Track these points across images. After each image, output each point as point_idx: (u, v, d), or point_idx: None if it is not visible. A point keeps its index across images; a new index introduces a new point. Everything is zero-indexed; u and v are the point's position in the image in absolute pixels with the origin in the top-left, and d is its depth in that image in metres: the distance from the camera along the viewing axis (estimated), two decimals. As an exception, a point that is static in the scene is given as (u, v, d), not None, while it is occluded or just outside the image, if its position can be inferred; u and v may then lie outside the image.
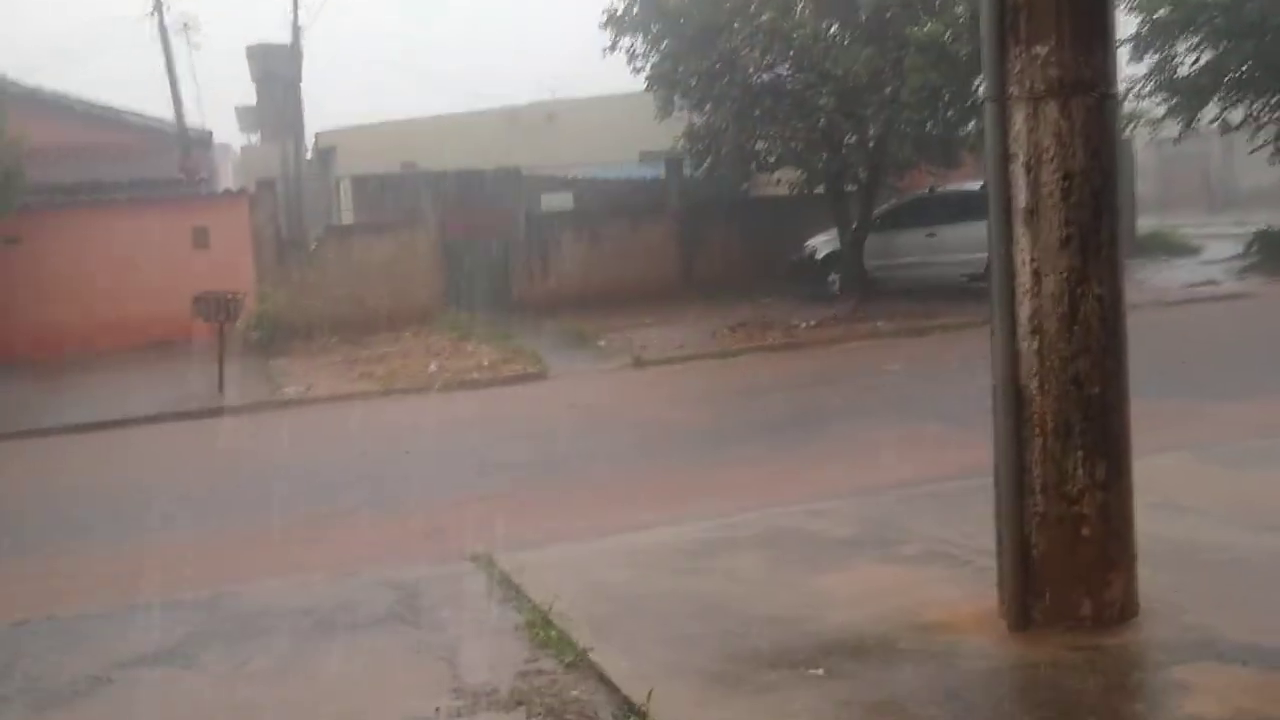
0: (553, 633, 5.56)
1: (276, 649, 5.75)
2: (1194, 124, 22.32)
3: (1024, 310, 5.02)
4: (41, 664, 5.78)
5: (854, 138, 19.34)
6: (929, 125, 19.00)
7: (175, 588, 7.08)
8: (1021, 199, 4.98)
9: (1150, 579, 5.28)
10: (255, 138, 34.77)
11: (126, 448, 12.70)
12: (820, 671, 4.82)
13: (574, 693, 4.90)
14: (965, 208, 19.17)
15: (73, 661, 5.77)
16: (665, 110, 20.35)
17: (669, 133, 20.76)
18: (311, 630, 6.00)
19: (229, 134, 36.20)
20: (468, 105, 31.42)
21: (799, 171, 20.38)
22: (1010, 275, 5.05)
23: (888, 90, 18.08)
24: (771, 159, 20.07)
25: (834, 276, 20.89)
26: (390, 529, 8.40)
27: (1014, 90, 4.94)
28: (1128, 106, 21.29)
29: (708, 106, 19.66)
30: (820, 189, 20.54)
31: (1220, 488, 7.28)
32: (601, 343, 17.67)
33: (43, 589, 7.43)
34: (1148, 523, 5.46)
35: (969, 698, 4.49)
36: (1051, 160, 4.90)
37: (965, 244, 18.89)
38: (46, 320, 19.47)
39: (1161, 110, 22.83)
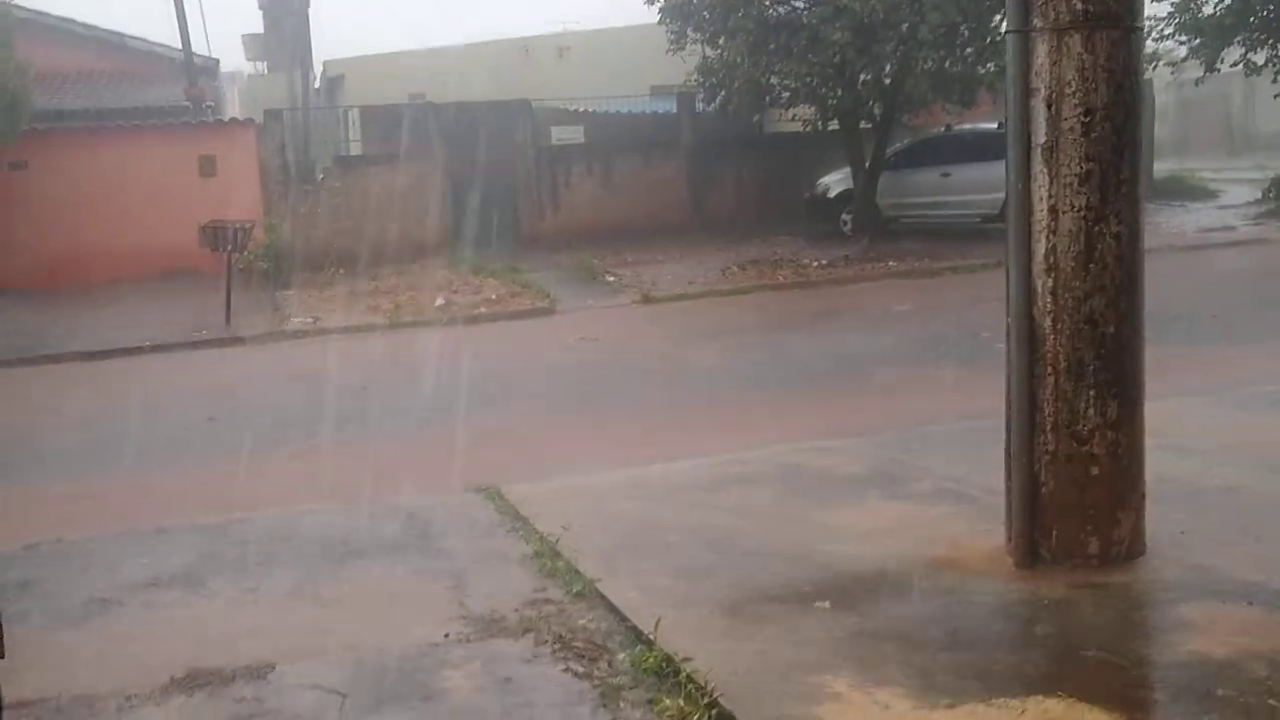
0: (560, 563, 5.59)
1: (285, 575, 5.78)
2: (1216, 65, 22.01)
3: (1040, 248, 4.97)
4: (53, 585, 5.83)
5: (869, 74, 19.10)
6: (947, 63, 18.76)
7: (184, 513, 7.13)
8: (1041, 134, 4.91)
9: (1158, 519, 5.29)
10: (262, 66, 34.49)
11: (135, 376, 12.73)
12: (826, 605, 4.84)
13: (581, 622, 4.93)
14: (981, 147, 18.98)
15: (83, 583, 5.82)
16: (678, 43, 20.09)
17: (681, 67, 20.53)
18: (320, 557, 6.04)
19: (236, 62, 35.96)
20: (479, 36, 31.05)
21: (812, 108, 20.16)
22: (1027, 212, 5.00)
23: (905, 26, 17.83)
24: (785, 95, 19.84)
25: (846, 215, 20.75)
26: (397, 459, 8.43)
27: (1037, 21, 4.86)
28: (1149, 46, 20.97)
29: (721, 40, 19.41)
30: (834, 126, 20.32)
31: (1231, 431, 7.27)
32: (610, 278, 17.61)
33: (53, 513, 7.48)
34: (1157, 463, 5.46)
35: (974, 633, 4.51)
36: (1073, 95, 4.82)
37: (980, 184, 18.73)
38: (52, 247, 19.43)
39: (1183, 51, 22.53)
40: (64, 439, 9.69)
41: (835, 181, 21.24)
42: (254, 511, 7.01)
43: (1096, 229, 4.87)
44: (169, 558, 6.16)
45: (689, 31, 19.97)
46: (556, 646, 4.67)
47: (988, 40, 18.18)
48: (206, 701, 4.40)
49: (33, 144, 19.25)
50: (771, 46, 18.63)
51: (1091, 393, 4.97)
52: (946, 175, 20.06)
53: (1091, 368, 4.95)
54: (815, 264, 17.87)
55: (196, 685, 4.54)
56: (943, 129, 20.82)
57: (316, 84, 29.63)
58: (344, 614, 5.24)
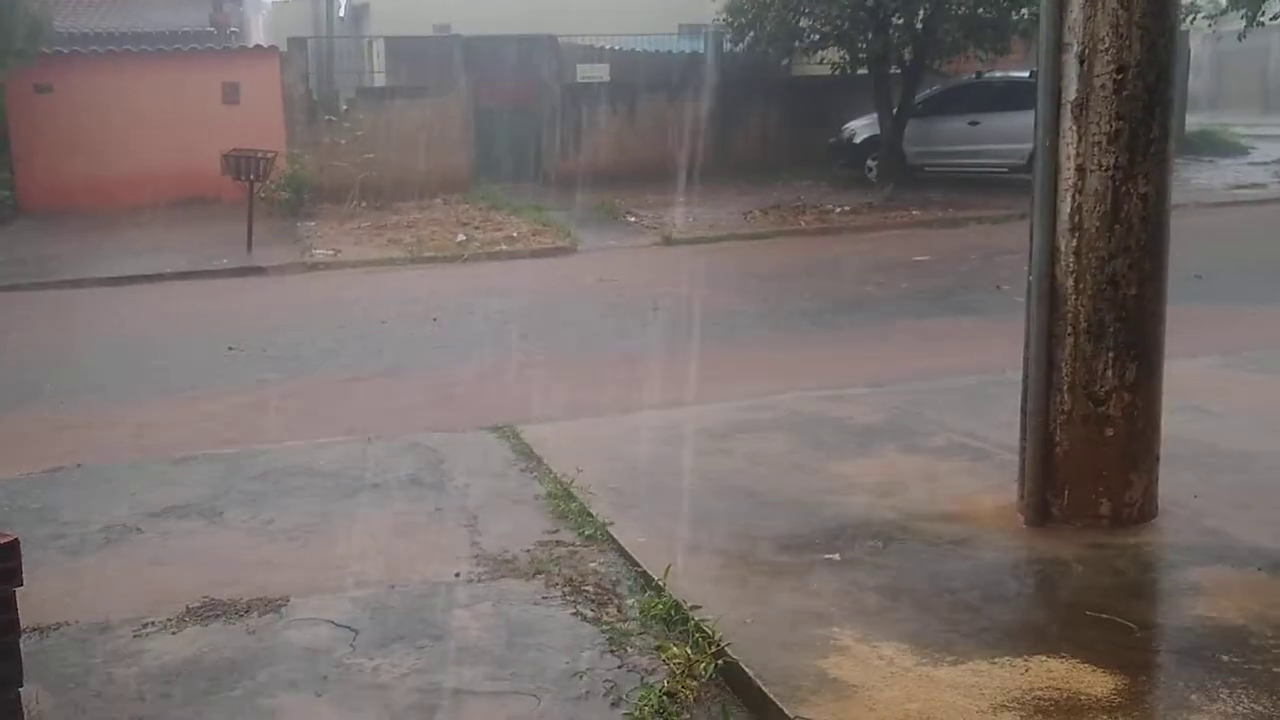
0: (573, 505, 5.63)
1: (301, 508, 5.84)
2: (1258, 18, 21.57)
3: (1065, 206, 4.93)
4: (74, 511, 5.91)
5: (901, 18, 18.82)
6: (980, 9, 18.46)
7: (202, 443, 7.19)
8: (1072, 91, 4.84)
9: (1172, 481, 5.29)
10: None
11: (155, 303, 12.78)
12: (836, 556, 4.87)
13: (592, 565, 4.97)
14: (1011, 96, 18.71)
15: (102, 510, 5.89)
16: (709, -18, 19.84)
17: (710, 6, 20.25)
18: (335, 491, 6.09)
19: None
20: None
21: (841, 52, 19.90)
22: (1054, 169, 4.95)
23: (940, -30, 17.54)
24: (815, 37, 19.58)
25: (872, 162, 20.55)
26: (414, 395, 8.47)
27: (1073, -24, 4.77)
28: (1186, -2, 20.58)
29: (753, -21, 19.17)
30: (863, 70, 20.07)
31: (1250, 393, 7.23)
32: (632, 219, 17.54)
33: (71, 439, 7.55)
34: (1174, 425, 5.45)
35: (982, 590, 4.53)
36: (1106, 51, 4.75)
37: (1009, 134, 18.48)
38: (76, 171, 19.43)
39: (1224, 3, 22.08)
40: (83, 365, 9.75)
41: (862, 127, 21.01)
42: (271, 443, 7.07)
43: (1124, 189, 4.82)
44: (187, 487, 6.23)
45: (720, -31, 19.71)
46: (566, 589, 4.72)
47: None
48: (221, 631, 4.47)
49: (58, 67, 19.20)
50: (803, -14, 18.37)
51: (1110, 354, 4.94)
52: (975, 124, 19.82)
53: (1112, 329, 4.92)
54: (838, 210, 17.73)
55: (211, 615, 4.61)
56: (974, 76, 20.54)
57: (341, 12, 29.40)
58: (357, 549, 5.29)
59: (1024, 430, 5.21)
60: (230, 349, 10.09)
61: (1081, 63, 4.80)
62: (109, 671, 4.18)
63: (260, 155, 15.58)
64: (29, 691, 3.54)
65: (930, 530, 5.14)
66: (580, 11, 23.38)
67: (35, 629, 4.36)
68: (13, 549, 3.30)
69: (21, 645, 3.35)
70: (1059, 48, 4.87)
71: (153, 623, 4.55)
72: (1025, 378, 5.20)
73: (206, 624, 4.53)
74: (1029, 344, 5.15)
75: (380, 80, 23.20)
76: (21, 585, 3.30)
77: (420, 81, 21.71)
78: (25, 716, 3.43)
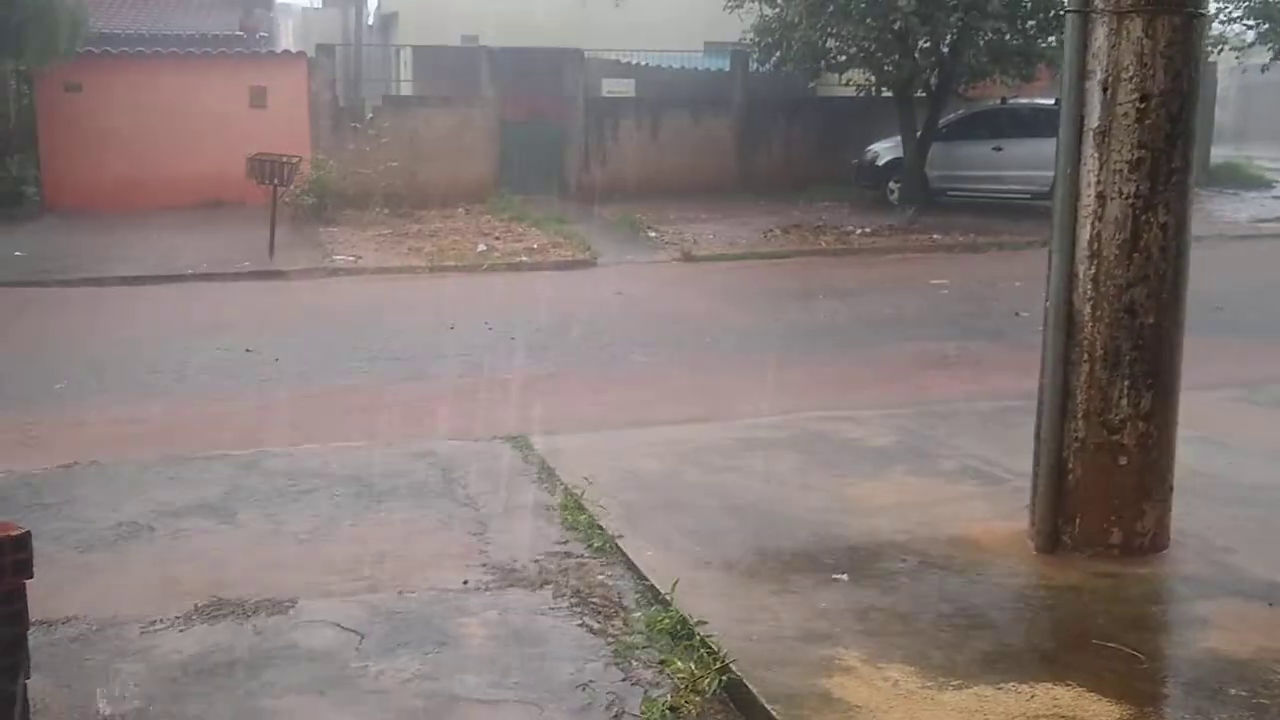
0: (583, 517, 5.63)
1: (312, 512, 5.86)
2: (1284, 52, 21.56)
3: (1084, 233, 4.92)
4: (87, 507, 5.94)
5: (928, 42, 18.84)
6: (1008, 35, 18.47)
7: (216, 443, 7.23)
8: (1094, 118, 4.84)
9: (1185, 513, 5.26)
10: (316, 0, 34.46)
11: (175, 303, 12.85)
12: (844, 577, 4.86)
13: (600, 577, 4.97)
14: (1035, 123, 18.70)
15: (115, 507, 5.92)
16: (737, 1, 19.89)
17: (737, 25, 20.31)
18: (347, 495, 6.11)
19: (291, -6, 35.88)
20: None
21: (867, 73, 19.92)
22: (1074, 196, 4.94)
23: (968, -6, 17.55)
24: (842, 58, 19.61)
25: (894, 184, 20.55)
26: (428, 402, 8.49)
27: (1099, 2, 4.78)
28: (1214, 29, 20.57)
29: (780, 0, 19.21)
30: (888, 93, 20.09)
31: (1267, 427, 7.20)
32: (653, 234, 17.57)
33: (86, 435, 7.60)
34: (1189, 457, 5.43)
35: (990, 615, 4.52)
36: (1130, 80, 4.75)
37: (1033, 161, 18.47)
38: (102, 170, 19.57)
39: (1250, 36, 22.06)
40: (101, 363, 9.81)
41: (885, 149, 21.01)
42: (284, 445, 7.09)
43: (1144, 218, 4.81)
44: (200, 486, 6.25)
45: (749, -12, 19.76)
46: (574, 601, 4.72)
47: (1050, 14, 17.87)
48: (228, 631, 4.48)
49: (88, 67, 19.35)
50: (830, 8, 18.39)
51: (1126, 383, 4.93)
52: (999, 149, 19.81)
53: (1128, 358, 4.91)
54: (858, 231, 17.73)
55: (219, 614, 4.62)
56: (998, 102, 20.53)
57: (370, 21, 29.58)
58: (366, 553, 5.30)
59: (1037, 456, 5.20)
60: (248, 351, 10.14)
61: (1105, 90, 4.80)
62: (116, 667, 4.20)
63: (285, 160, 15.68)
64: (36, 684, 3.56)
65: (940, 554, 5.13)
66: (608, 27, 23.49)
67: (44, 622, 4.38)
68: (24, 541, 3.31)
69: (30, 638, 3.37)
70: (1082, 75, 4.87)
71: (161, 620, 4.56)
72: (1040, 404, 5.19)
73: (214, 623, 4.55)
74: (1044, 370, 5.14)
75: (407, 89, 23.32)
76: (31, 577, 3.32)
77: (446, 91, 21.83)
78: (31, 708, 3.45)
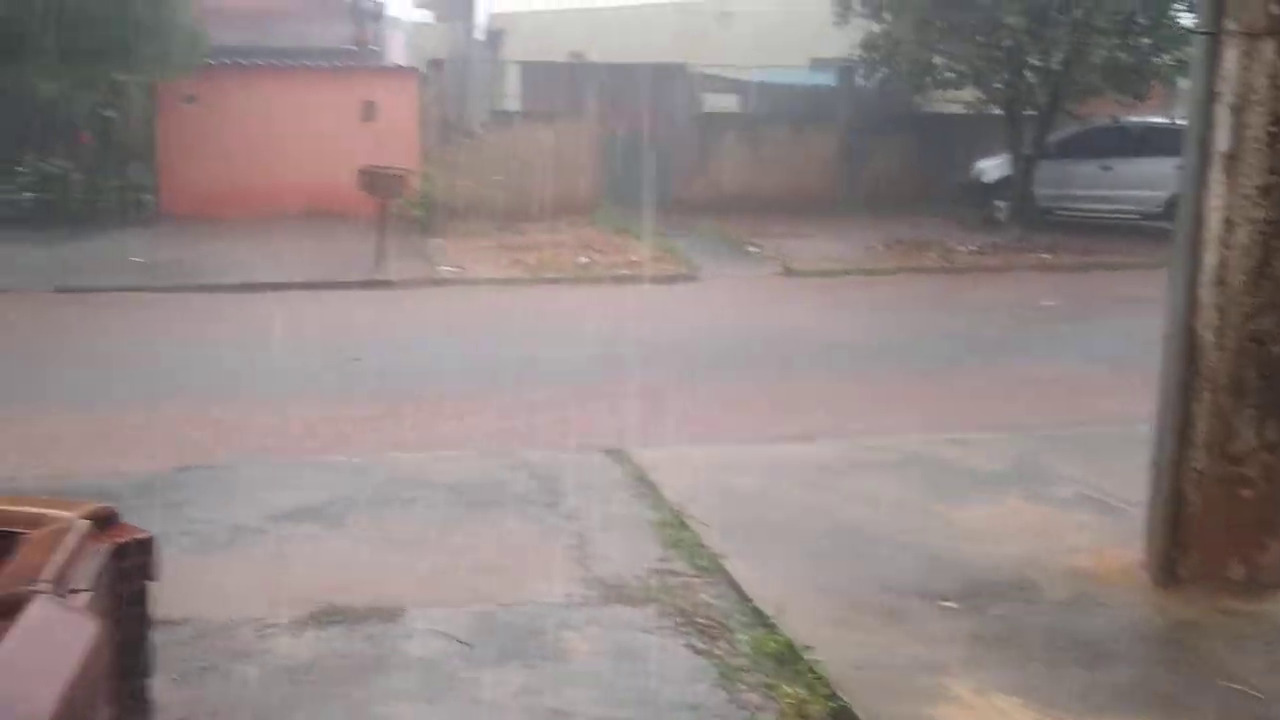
0: (686, 534, 5.63)
1: (417, 519, 5.95)
2: None
3: (1209, 259, 4.79)
4: (201, 509, 6.10)
5: (1039, 60, 18.52)
6: (1121, 52, 18.06)
7: (323, 449, 7.37)
8: (1222, 142, 4.71)
9: (1310, 549, 5.07)
10: (427, 14, 35.04)
11: (284, 311, 13.11)
12: (953, 604, 4.78)
13: (704, 597, 4.96)
14: (1149, 142, 18.27)
15: (229, 510, 6.07)
16: (843, 16, 19.77)
17: (843, 40, 20.19)
18: (451, 504, 6.19)
19: (400, 9, 36.55)
20: (642, -2, 30.95)
21: (975, 90, 19.65)
22: (1198, 220, 4.82)
23: (1079, 12, 17.22)
24: (950, 75, 19.38)
25: (1001, 202, 20.21)
26: (531, 411, 8.54)
27: (1229, 25, 4.66)
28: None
29: (887, 15, 19.04)
30: (995, 110, 19.79)
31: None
32: (754, 249, 17.52)
33: (198, 437, 7.78)
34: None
35: (1103, 648, 4.41)
36: (1261, 103, 4.62)
37: (1145, 180, 18.06)
38: (216, 180, 20.07)
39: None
40: (212, 368, 10.05)
41: (992, 167, 20.69)
42: (389, 453, 7.21)
43: (1274, 244, 4.67)
44: (308, 492, 6.38)
45: (855, 4, 19.62)
46: (679, 620, 4.71)
47: (1164, 31, 17.45)
48: (340, 636, 4.56)
49: (204, 79, 19.88)
50: (939, 25, 18.19)
51: (1251, 412, 4.79)
52: (1109, 168, 19.38)
53: (1254, 387, 4.77)
54: (964, 249, 17.48)
55: (331, 620, 4.71)
56: (1110, 120, 20.09)
57: (479, 36, 29.99)
58: (471, 563, 5.36)
59: (1154, 486, 5.07)
60: (356, 359, 10.32)
61: (1234, 113, 4.67)
62: (231, 668, 4.31)
63: (394, 173, 15.94)
64: (155, 682, 3.66)
65: (1050, 583, 5.02)
66: (712, 43, 23.52)
67: (163, 622, 4.49)
68: (150, 544, 3.42)
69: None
70: (1210, 97, 4.75)
71: (274, 624, 4.66)
72: (1157, 431, 5.06)
73: (326, 628, 4.63)
74: (1162, 397, 5.01)
75: (513, 104, 23.58)
76: (156, 580, 3.42)
77: (551, 106, 22.03)
78: (152, 707, 3.55)
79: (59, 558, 2.91)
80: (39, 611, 2.65)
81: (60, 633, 2.70)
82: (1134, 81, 18.24)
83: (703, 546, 5.45)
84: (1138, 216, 18.71)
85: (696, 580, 5.13)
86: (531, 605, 4.88)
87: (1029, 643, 4.44)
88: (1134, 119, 19.70)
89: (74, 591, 2.87)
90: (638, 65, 22.08)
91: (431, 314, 13.06)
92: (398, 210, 17.59)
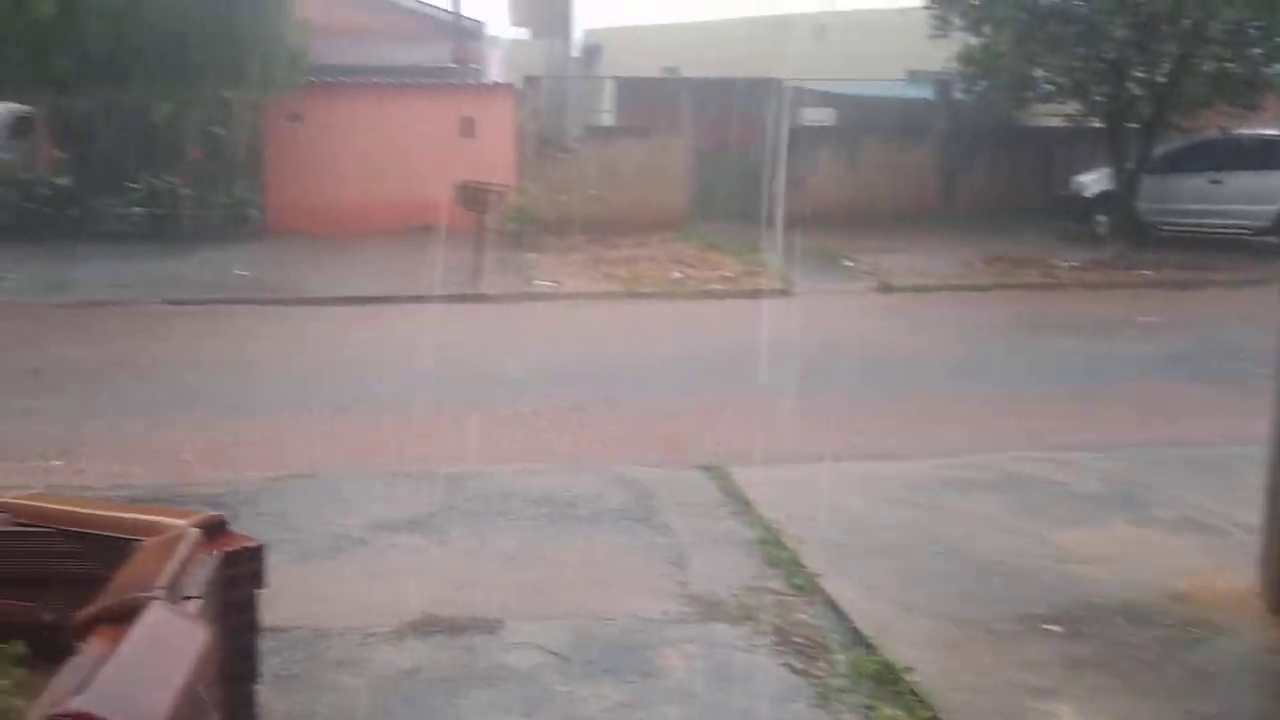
0: (783, 553, 5.59)
1: (516, 532, 6.00)
2: None
3: (1328, 276, 4.64)
4: (303, 518, 6.22)
5: (1143, 72, 18.11)
6: (1231, 62, 17.58)
7: (423, 461, 7.46)
8: (1342, 155, 4.56)
9: None
10: (524, 32, 35.45)
11: (384, 323, 13.36)
12: (1057, 628, 4.68)
13: (801, 615, 4.92)
14: (1260, 154, 17.76)
15: (330, 518, 6.19)
16: (941, 29, 19.54)
17: (940, 53, 19.96)
18: (548, 518, 6.23)
19: (497, 25, 37.07)
20: (738, 11, 30.99)
21: (1076, 104, 19.27)
22: (1317, 237, 4.67)
23: (1188, 22, 16.80)
24: (1051, 88, 19.04)
25: (1102, 217, 19.79)
26: (625, 426, 8.57)
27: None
28: None
29: (987, 28, 18.77)
30: (1096, 123, 19.39)
31: None
32: (849, 264, 17.39)
33: (304, 447, 7.92)
34: None
35: (1212, 677, 4.29)
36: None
37: (1255, 194, 17.55)
38: (318, 196, 20.51)
39: None
40: (314, 379, 10.25)
41: (1093, 181, 20.27)
42: (486, 464, 7.28)
43: (1396, 262, 4.51)
44: (409, 502, 6.47)
45: (953, 17, 19.39)
46: (775, 639, 4.69)
47: (1278, 41, 16.95)
48: (440, 647, 4.62)
49: (308, 97, 20.34)
50: (1040, 37, 17.89)
51: (1372, 437, 4.62)
52: (1216, 182, 18.86)
53: (1375, 410, 4.60)
54: (1064, 265, 17.15)
55: (431, 630, 4.77)
56: (1218, 132, 19.56)
57: (575, 52, 30.25)
58: (568, 577, 5.39)
59: (1269, 511, 4.91)
60: (450, 371, 10.45)
61: (1354, 126, 4.52)
62: (335, 677, 4.38)
63: (492, 188, 16.14)
64: (261, 688, 3.74)
65: (1157, 608, 4.90)
66: (808, 57, 23.42)
67: (268, 629, 4.59)
68: (259, 553, 3.50)
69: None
70: (1329, 110, 4.60)
71: (376, 634, 4.74)
72: (1272, 454, 4.90)
73: (426, 639, 4.69)
74: (1276, 418, 4.86)
75: (608, 119, 23.75)
76: (265, 588, 3.50)
77: (646, 121, 22.14)
78: (258, 712, 3.63)
79: (172, 565, 2.99)
80: (154, 617, 2.73)
81: (174, 638, 2.78)
82: (1245, 93, 17.75)
83: (800, 565, 5.42)
84: (1246, 231, 18.18)
85: (794, 599, 5.09)
86: (628, 620, 4.89)
87: (1136, 669, 4.33)
88: (1246, 131, 19.16)
89: (186, 598, 2.96)
90: (732, 80, 22.09)
91: (527, 327, 13.19)
92: (494, 225, 17.80)
